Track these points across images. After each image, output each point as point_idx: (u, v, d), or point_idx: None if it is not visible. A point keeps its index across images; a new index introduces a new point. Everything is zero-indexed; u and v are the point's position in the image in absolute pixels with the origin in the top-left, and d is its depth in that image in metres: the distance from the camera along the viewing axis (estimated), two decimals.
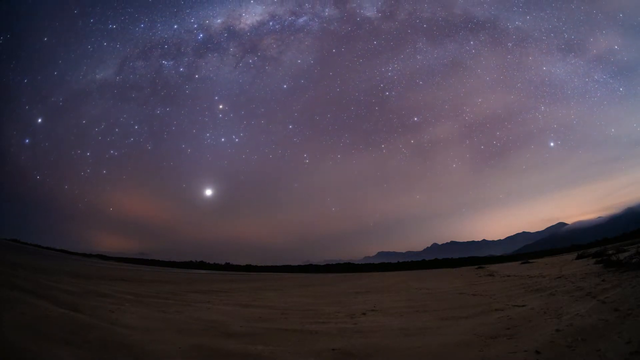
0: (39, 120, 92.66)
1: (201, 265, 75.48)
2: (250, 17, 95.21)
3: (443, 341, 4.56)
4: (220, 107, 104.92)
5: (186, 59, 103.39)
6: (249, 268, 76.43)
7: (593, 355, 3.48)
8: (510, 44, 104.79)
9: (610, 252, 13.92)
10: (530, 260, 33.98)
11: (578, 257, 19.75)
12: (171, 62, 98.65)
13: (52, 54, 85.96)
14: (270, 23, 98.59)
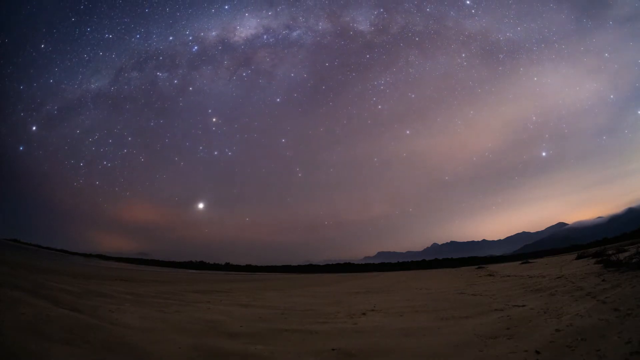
0: (34, 128, 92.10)
1: (201, 265, 75.55)
2: (244, 30, 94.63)
3: (443, 341, 4.56)
4: (214, 120, 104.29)
5: (180, 71, 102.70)
6: (249, 268, 76.47)
7: (593, 355, 3.48)
8: (501, 56, 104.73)
9: (610, 252, 13.91)
10: (530, 260, 34.02)
11: (578, 257, 19.76)
12: (166, 74, 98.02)
13: (48, 62, 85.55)
14: (265, 36, 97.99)
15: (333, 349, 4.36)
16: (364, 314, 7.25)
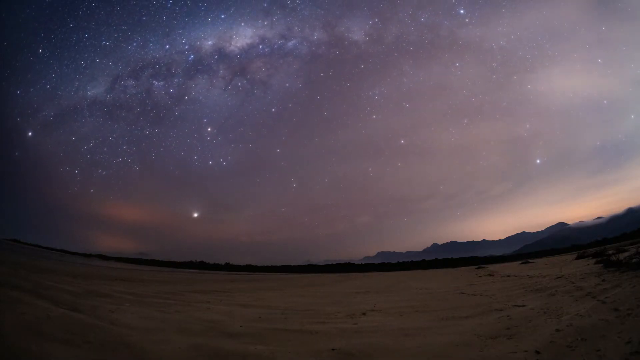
0: (30, 133, 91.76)
1: (201, 265, 75.48)
2: (240, 39, 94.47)
3: (443, 341, 4.56)
4: (209, 129, 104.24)
5: (176, 80, 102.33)
6: (249, 268, 76.47)
7: (593, 355, 3.48)
8: (495, 64, 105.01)
9: (610, 252, 13.90)
10: (530, 260, 34.04)
11: (578, 257, 19.76)
12: (161, 83, 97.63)
13: (45, 67, 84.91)
14: (260, 46, 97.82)
15: (333, 349, 4.36)
16: (364, 314, 7.25)
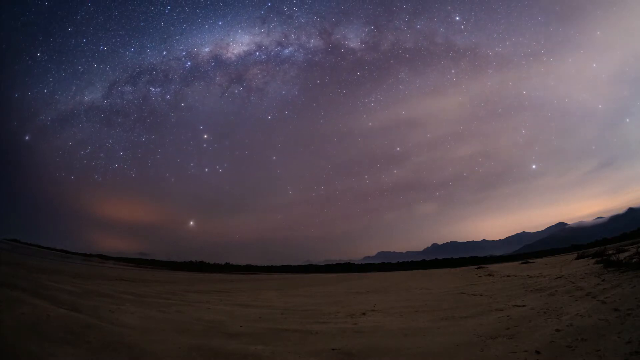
0: (27, 137, 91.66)
1: (201, 265, 75.35)
2: (237, 46, 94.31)
3: (443, 341, 4.56)
4: (205, 136, 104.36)
5: (173, 86, 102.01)
6: (249, 268, 76.50)
7: (593, 355, 3.48)
8: (490, 70, 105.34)
9: (610, 252, 13.90)
10: (530, 260, 33.98)
11: (578, 257, 19.74)
12: (158, 89, 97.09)
13: (44, 71, 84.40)
14: (257, 53, 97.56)
15: (333, 349, 4.36)
16: (364, 314, 7.25)
